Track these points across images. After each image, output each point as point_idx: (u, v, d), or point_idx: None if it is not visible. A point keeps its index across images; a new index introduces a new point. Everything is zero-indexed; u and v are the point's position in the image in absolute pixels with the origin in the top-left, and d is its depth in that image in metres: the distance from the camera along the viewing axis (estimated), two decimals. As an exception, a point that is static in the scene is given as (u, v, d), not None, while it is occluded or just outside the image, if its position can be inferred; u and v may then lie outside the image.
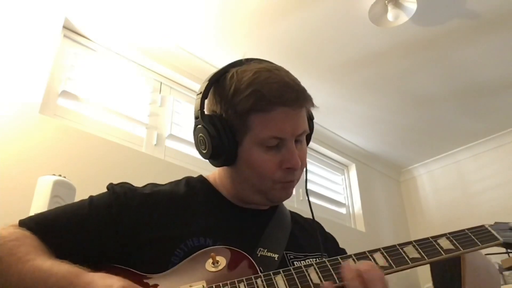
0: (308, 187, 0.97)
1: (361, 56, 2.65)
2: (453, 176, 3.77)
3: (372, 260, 0.70)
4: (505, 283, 2.68)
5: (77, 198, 1.24)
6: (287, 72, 0.86)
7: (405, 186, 4.14)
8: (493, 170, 3.52)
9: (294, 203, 2.90)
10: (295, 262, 0.85)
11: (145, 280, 0.71)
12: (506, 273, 2.70)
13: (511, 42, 2.56)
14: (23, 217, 0.78)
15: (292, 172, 0.83)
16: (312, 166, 3.33)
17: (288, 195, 0.88)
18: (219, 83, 0.86)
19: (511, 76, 2.86)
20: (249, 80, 0.80)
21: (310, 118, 0.91)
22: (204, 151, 0.85)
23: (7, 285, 0.66)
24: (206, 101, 0.88)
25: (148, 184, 0.90)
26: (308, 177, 0.97)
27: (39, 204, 1.33)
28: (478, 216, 3.39)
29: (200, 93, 0.86)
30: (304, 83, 0.91)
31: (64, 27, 2.13)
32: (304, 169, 0.89)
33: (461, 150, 3.72)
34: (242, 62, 0.88)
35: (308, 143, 0.92)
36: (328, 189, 3.38)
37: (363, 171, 3.75)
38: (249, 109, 0.79)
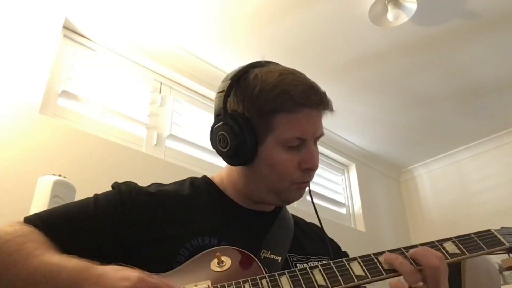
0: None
1: (361, 56, 2.65)
2: (453, 176, 3.77)
3: (378, 263, 0.71)
4: (505, 283, 2.68)
5: (77, 198, 1.23)
6: (306, 76, 0.87)
7: (405, 186, 4.14)
8: (493, 170, 3.52)
9: (294, 203, 2.89)
10: (298, 265, 0.84)
11: None
12: (506, 273, 2.71)
13: (511, 42, 2.56)
14: (23, 217, 0.78)
15: (309, 172, 0.85)
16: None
17: (301, 195, 0.89)
18: (240, 82, 0.86)
19: (511, 76, 2.86)
20: (276, 81, 0.81)
21: None
22: (224, 149, 0.84)
23: (16, 281, 0.65)
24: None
25: (152, 183, 0.90)
26: (308, 178, 0.97)
27: (39, 204, 1.32)
28: (478, 216, 3.40)
29: (223, 91, 0.86)
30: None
31: (64, 27, 2.12)
32: None
33: (461, 150, 3.72)
34: (262, 64, 0.89)
35: None
36: (328, 189, 3.38)
37: (363, 171, 3.75)
38: (276, 109, 0.80)
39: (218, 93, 0.87)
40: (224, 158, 0.87)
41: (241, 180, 0.89)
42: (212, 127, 0.87)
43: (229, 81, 0.86)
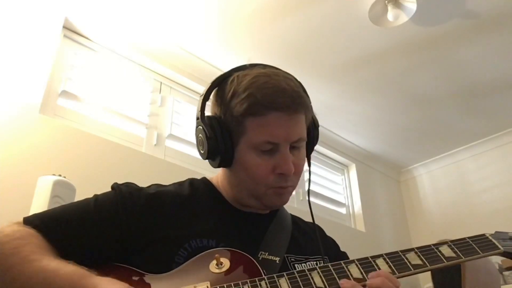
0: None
1: (361, 56, 2.65)
2: (453, 176, 3.78)
3: (376, 266, 0.71)
4: (505, 283, 2.68)
5: (77, 198, 1.23)
6: (286, 78, 0.84)
7: (405, 186, 4.14)
8: (493, 170, 3.52)
9: (294, 203, 2.90)
10: (296, 265, 0.85)
11: (148, 280, 0.72)
12: (506, 273, 2.71)
13: (511, 42, 2.56)
14: (22, 217, 0.78)
15: (284, 178, 0.83)
16: (312, 166, 3.31)
17: (282, 201, 0.88)
18: (221, 86, 0.87)
19: (511, 76, 2.86)
20: (247, 84, 0.81)
21: (315, 126, 0.92)
22: (202, 151, 0.87)
23: (12, 284, 0.66)
24: (209, 104, 0.90)
25: (152, 184, 0.91)
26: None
27: (39, 204, 1.32)
28: (478, 216, 3.40)
29: (203, 95, 0.89)
30: (304, 83, 0.91)
31: (64, 27, 2.13)
32: (304, 174, 0.90)
33: (461, 150, 3.72)
34: (246, 67, 0.89)
35: (311, 151, 0.93)
36: (328, 189, 3.38)
37: (363, 171, 3.76)
38: (244, 112, 0.80)
39: (200, 96, 0.90)
40: (206, 159, 0.89)
41: (226, 183, 0.91)
42: (195, 131, 0.90)
43: (209, 85, 0.88)
